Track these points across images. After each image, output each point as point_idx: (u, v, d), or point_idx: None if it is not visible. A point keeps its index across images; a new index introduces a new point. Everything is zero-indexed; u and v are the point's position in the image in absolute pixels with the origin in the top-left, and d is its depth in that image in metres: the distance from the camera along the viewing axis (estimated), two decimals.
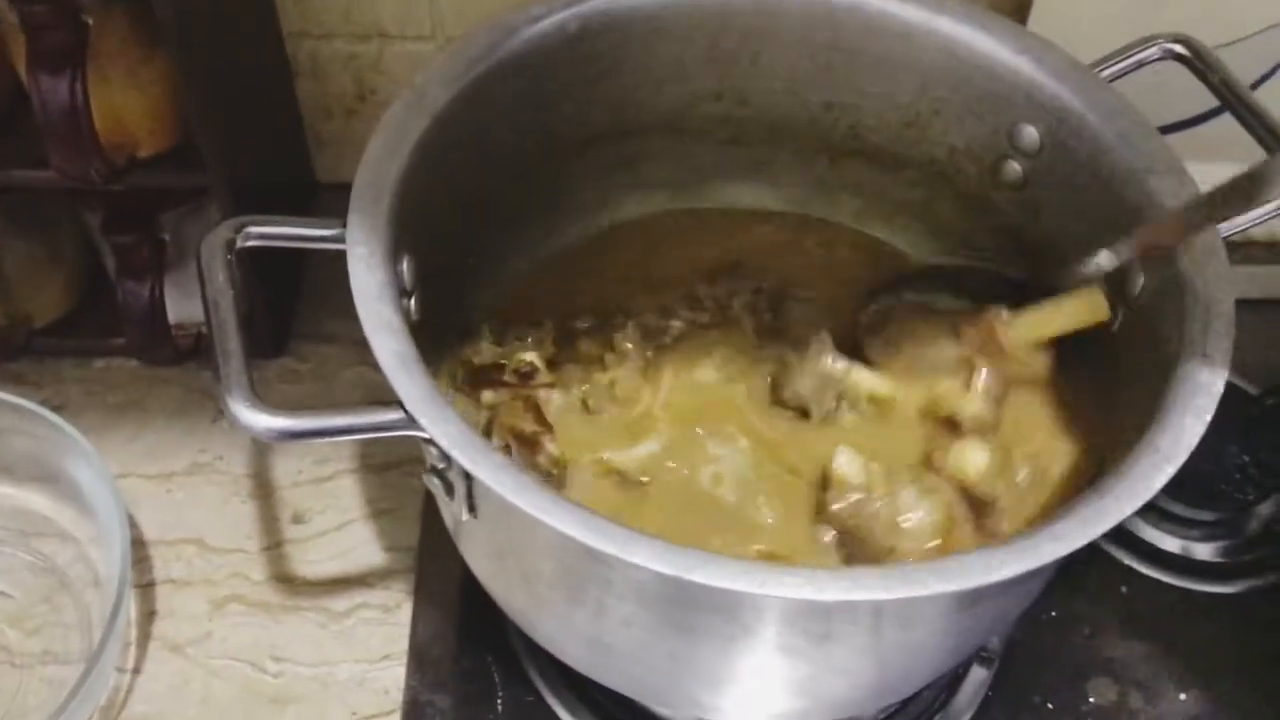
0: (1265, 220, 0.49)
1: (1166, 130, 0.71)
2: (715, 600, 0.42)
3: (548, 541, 0.44)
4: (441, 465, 0.45)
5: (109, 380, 0.73)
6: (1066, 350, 0.57)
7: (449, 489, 0.46)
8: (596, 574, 0.44)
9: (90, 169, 0.58)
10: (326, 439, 0.43)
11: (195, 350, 0.72)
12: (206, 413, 0.72)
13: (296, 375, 0.74)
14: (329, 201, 0.82)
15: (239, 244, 0.47)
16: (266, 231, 0.48)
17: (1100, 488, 0.43)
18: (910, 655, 0.48)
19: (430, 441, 0.43)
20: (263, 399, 0.43)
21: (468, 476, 0.45)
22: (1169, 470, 0.43)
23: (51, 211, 0.70)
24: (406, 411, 0.42)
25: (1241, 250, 0.77)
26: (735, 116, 0.63)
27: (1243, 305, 0.77)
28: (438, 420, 0.42)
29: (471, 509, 0.46)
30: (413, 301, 0.51)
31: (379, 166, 0.49)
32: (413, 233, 0.50)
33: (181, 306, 0.69)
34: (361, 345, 0.74)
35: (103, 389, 0.73)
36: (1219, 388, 0.44)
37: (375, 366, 0.74)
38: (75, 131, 0.56)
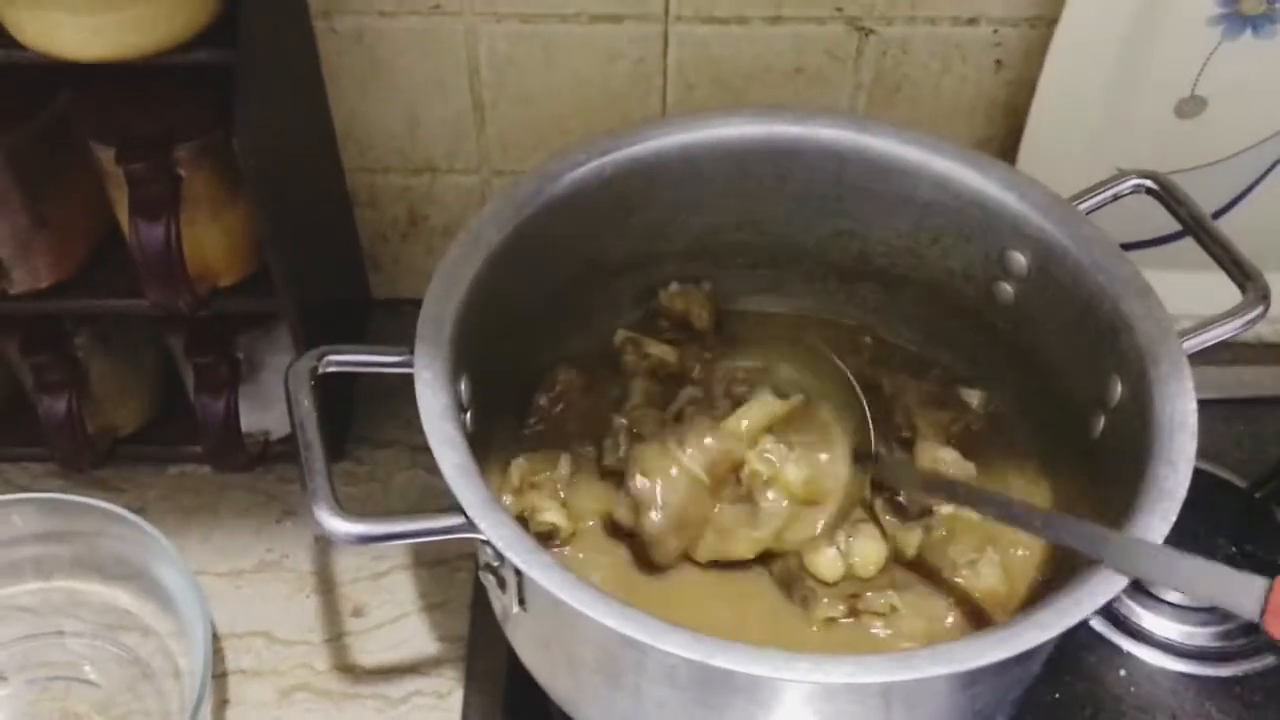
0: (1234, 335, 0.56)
1: (1143, 245, 0.77)
2: (736, 682, 0.48)
3: (590, 632, 0.50)
4: (496, 563, 0.51)
5: (183, 485, 0.80)
6: (1057, 451, 0.63)
7: (502, 584, 0.52)
8: (633, 660, 0.49)
9: (180, 301, 0.66)
10: (398, 542, 0.49)
11: (263, 456, 0.78)
12: (272, 514, 0.78)
13: (355, 478, 0.80)
14: (384, 317, 0.90)
15: (320, 370, 0.53)
16: (343, 359, 0.54)
17: (1076, 582, 0.48)
18: None
19: (488, 543, 0.49)
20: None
21: (519, 573, 0.51)
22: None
23: (135, 333, 0.77)
24: (467, 517, 0.48)
25: (1232, 350, 0.82)
26: (754, 244, 0.70)
27: (1232, 404, 0.83)
28: (495, 524, 0.48)
29: (521, 602, 0.52)
30: (468, 416, 0.57)
31: (440, 301, 0.56)
32: (469, 356, 0.57)
33: (250, 417, 0.76)
34: (414, 450, 0.82)
35: (178, 493, 0.80)
36: (1182, 493, 0.50)
37: (428, 469, 0.82)
38: (169, 270, 0.63)
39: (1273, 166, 0.76)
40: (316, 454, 0.50)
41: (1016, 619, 0.47)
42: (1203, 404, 0.54)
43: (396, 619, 0.73)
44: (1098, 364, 0.59)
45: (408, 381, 0.83)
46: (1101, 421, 0.59)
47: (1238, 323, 0.56)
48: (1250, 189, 0.78)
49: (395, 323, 0.88)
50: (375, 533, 0.48)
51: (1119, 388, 0.57)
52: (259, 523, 0.78)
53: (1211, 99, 0.73)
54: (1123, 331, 0.57)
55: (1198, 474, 0.52)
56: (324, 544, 0.77)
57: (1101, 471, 0.58)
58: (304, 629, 0.73)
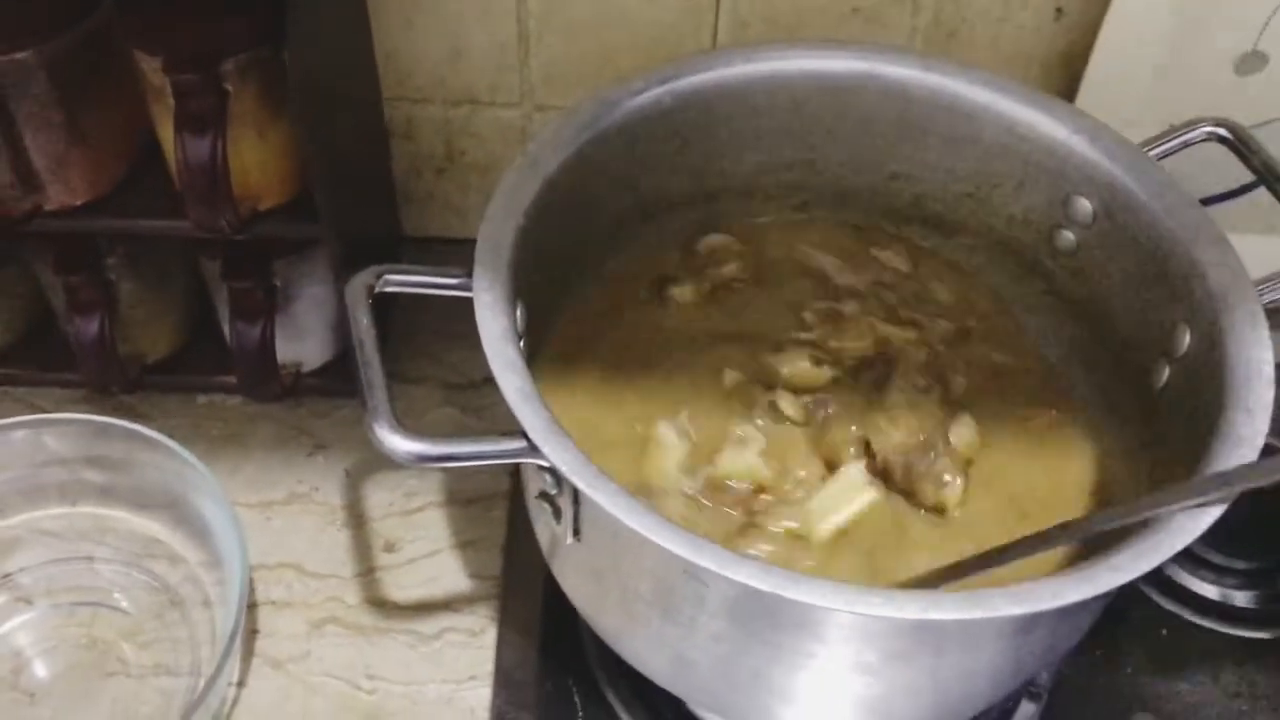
0: None
1: (1204, 203, 0.76)
2: (799, 615, 0.47)
3: (651, 560, 0.49)
4: (553, 491, 0.50)
5: (212, 414, 0.79)
6: (1109, 403, 0.62)
7: (557, 513, 0.51)
8: (692, 591, 0.48)
9: (222, 221, 0.64)
10: (458, 464, 0.47)
11: (295, 388, 0.77)
12: (303, 447, 0.77)
13: None
14: (413, 254, 0.88)
15: (377, 289, 0.52)
16: (402, 279, 0.53)
17: (1150, 528, 0.47)
18: (971, 677, 0.53)
19: (548, 469, 0.48)
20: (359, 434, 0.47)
21: (576, 501, 0.50)
22: (1214, 513, 0.47)
23: (167, 256, 0.76)
24: (529, 441, 0.47)
25: None
26: (807, 184, 0.68)
27: None
28: (558, 449, 0.47)
29: (576, 532, 0.51)
30: (522, 343, 0.56)
31: (498, 224, 0.54)
32: (525, 281, 0.55)
33: (284, 348, 0.75)
34: (448, 388, 0.81)
35: (207, 422, 0.78)
36: (1260, 440, 0.49)
37: (461, 408, 0.80)
38: (213, 187, 0.62)
39: None
40: (376, 370, 0.48)
41: (1093, 562, 0.46)
42: None
43: (429, 555, 0.72)
44: (1164, 313, 0.58)
45: (443, 316, 0.81)
46: (1166, 372, 0.57)
47: None
48: None
49: (427, 260, 0.85)
50: (435, 452, 0.47)
51: (1187, 338, 0.56)
52: (289, 455, 0.77)
53: (1273, 55, 0.72)
54: (1194, 280, 0.56)
55: None
56: (355, 479, 0.76)
57: (1167, 424, 0.57)
58: (335, 562, 0.72)
